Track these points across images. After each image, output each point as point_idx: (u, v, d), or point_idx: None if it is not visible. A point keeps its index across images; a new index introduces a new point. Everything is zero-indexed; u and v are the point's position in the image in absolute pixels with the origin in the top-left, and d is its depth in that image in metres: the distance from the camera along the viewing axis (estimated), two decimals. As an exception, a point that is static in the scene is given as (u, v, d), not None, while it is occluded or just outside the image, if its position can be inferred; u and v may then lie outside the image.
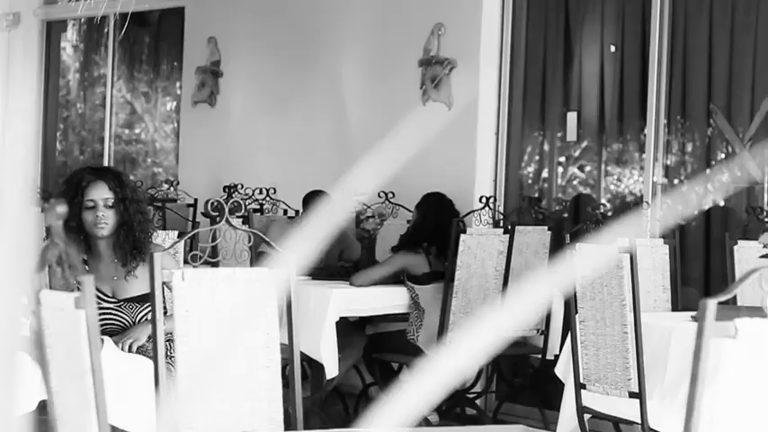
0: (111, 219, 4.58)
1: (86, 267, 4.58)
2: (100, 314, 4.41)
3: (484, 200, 7.26)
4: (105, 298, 4.58)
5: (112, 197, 4.61)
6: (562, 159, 7.87)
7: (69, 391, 2.54)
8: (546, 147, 7.89)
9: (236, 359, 3.24)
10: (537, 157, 7.94)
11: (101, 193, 4.62)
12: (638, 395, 5.17)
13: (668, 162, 7.26)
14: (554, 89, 7.79)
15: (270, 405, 3.29)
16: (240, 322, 3.24)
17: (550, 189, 7.92)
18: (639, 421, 5.22)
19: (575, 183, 7.91)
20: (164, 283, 3.23)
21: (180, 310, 3.19)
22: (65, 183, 4.74)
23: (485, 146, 7.78)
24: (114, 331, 4.53)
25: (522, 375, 7.52)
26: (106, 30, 10.56)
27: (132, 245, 4.59)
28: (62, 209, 2.54)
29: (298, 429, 3.31)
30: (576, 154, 7.84)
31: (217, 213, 3.25)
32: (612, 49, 7.53)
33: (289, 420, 3.40)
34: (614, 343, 5.26)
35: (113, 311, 4.58)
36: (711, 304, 2.35)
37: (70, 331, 2.49)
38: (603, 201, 7.58)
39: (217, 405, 3.24)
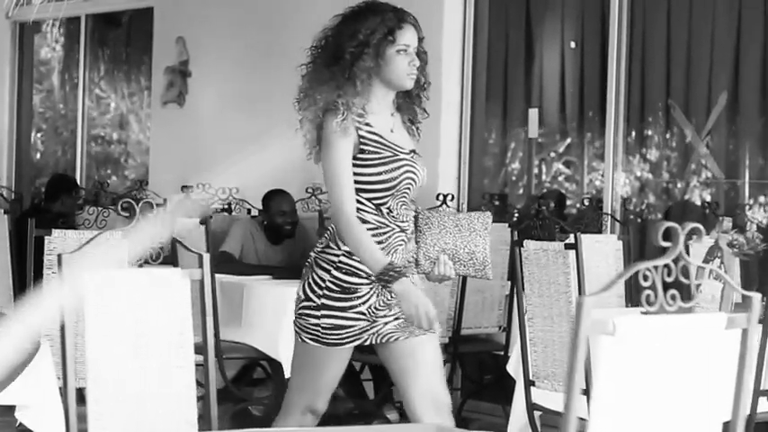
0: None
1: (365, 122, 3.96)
2: (402, 166, 3.91)
3: (441, 197, 7.25)
4: (400, 149, 3.95)
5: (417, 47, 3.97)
6: (526, 156, 7.87)
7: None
8: (509, 143, 7.88)
9: (149, 360, 3.23)
10: (502, 154, 7.94)
11: (413, 40, 3.95)
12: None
13: (628, 157, 7.26)
14: (516, 86, 7.78)
15: (185, 405, 3.29)
16: (152, 323, 3.24)
17: (515, 186, 7.92)
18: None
19: (546, 180, 7.91)
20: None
21: (90, 312, 3.18)
22: (363, 15, 4.05)
23: (447, 143, 7.76)
24: (413, 184, 3.95)
25: (490, 372, 7.52)
26: (82, 31, 10.58)
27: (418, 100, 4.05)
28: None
29: (212, 430, 3.31)
30: (541, 151, 7.84)
31: (127, 214, 3.25)
32: (573, 45, 7.54)
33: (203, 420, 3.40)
34: (562, 340, 5.25)
35: (411, 163, 3.96)
36: (587, 301, 2.35)
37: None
38: (582, 196, 7.58)
39: (130, 406, 3.23)
